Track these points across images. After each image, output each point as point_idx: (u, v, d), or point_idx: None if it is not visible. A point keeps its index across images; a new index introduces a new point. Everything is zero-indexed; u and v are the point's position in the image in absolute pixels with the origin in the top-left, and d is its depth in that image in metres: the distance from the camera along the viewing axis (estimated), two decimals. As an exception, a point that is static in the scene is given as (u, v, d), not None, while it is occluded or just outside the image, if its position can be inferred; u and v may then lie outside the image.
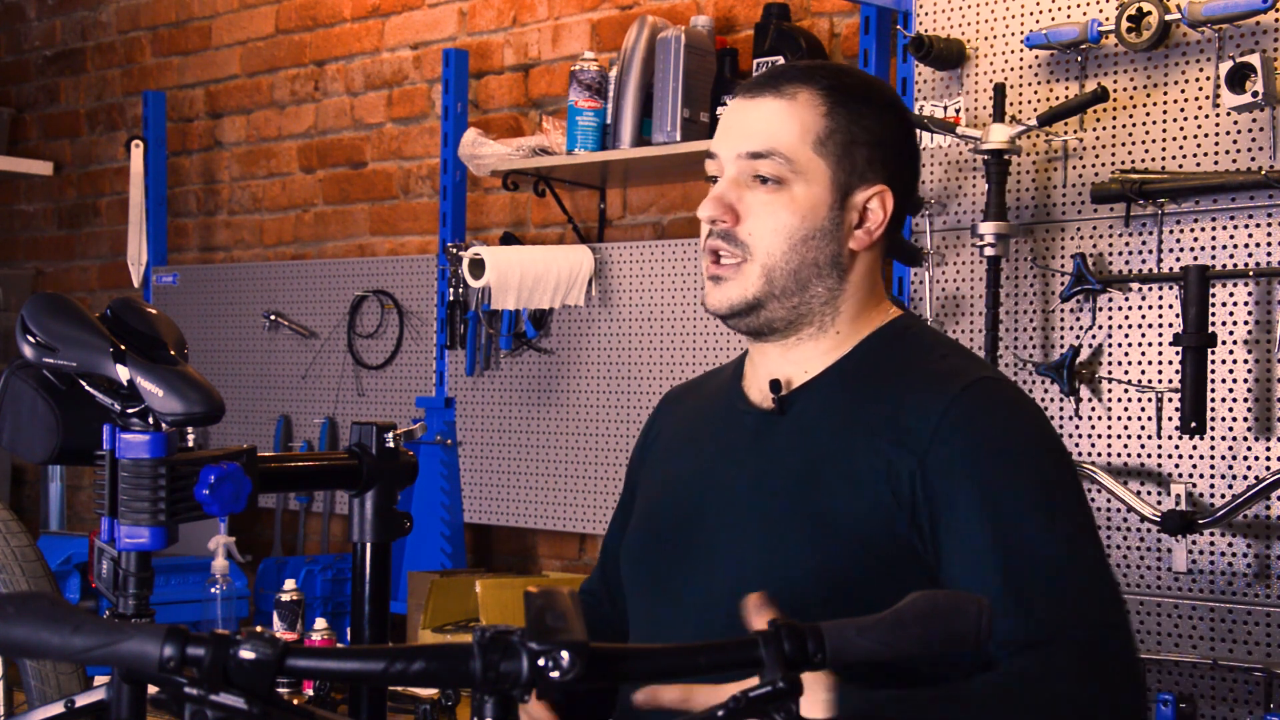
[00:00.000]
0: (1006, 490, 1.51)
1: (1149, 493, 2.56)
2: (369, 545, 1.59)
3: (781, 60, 3.03)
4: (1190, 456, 2.52)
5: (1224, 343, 2.48)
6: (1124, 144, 2.62)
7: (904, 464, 1.52)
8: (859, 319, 1.65)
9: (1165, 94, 2.58)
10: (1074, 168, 2.67)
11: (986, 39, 2.78)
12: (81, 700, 1.46)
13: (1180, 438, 2.52)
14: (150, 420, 1.40)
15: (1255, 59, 2.39)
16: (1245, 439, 2.47)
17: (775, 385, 1.63)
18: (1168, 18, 2.51)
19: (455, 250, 3.58)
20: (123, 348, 1.41)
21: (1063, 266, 2.67)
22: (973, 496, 1.50)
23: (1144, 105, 2.60)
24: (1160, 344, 2.56)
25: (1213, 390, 2.48)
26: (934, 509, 1.51)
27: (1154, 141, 2.59)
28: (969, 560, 1.49)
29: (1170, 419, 2.53)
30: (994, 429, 1.55)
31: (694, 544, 1.64)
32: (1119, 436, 2.60)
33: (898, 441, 1.53)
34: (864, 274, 1.65)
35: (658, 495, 1.75)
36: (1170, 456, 2.54)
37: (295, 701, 1.29)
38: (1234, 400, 2.49)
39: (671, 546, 1.66)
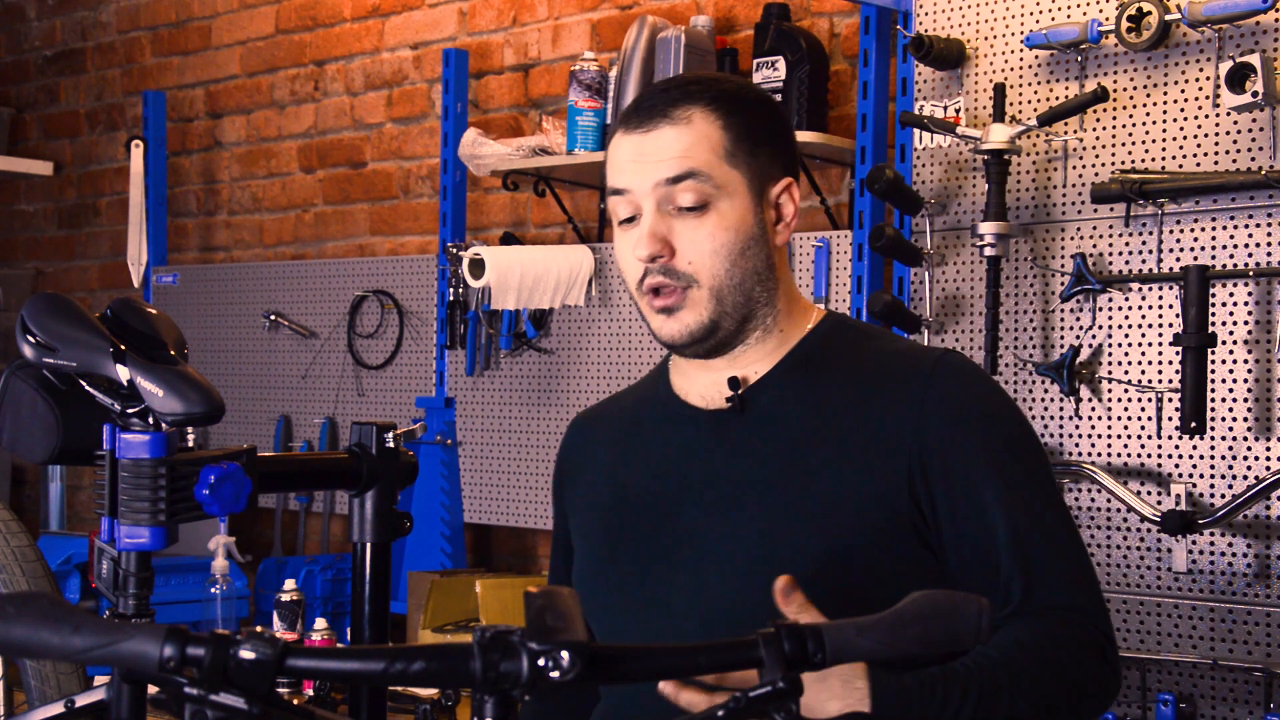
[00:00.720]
0: (1005, 458, 1.58)
1: (1149, 493, 2.56)
2: (369, 545, 1.59)
3: (781, 61, 3.03)
4: (1190, 456, 2.52)
5: (1224, 343, 2.48)
6: (1124, 144, 2.62)
7: (897, 441, 1.56)
8: (792, 312, 1.69)
9: (1165, 94, 2.58)
10: (1074, 168, 2.67)
11: (986, 39, 2.78)
12: (81, 700, 1.46)
13: (1180, 438, 2.52)
14: (150, 420, 1.40)
15: (1255, 59, 2.39)
16: (1245, 439, 2.47)
17: (734, 383, 1.65)
18: (1168, 18, 2.51)
19: (455, 250, 3.58)
20: (123, 348, 1.42)
21: (1063, 266, 2.67)
22: (976, 466, 1.56)
23: (1144, 105, 2.60)
24: (1160, 344, 2.56)
25: (1213, 390, 2.48)
26: (937, 482, 1.56)
27: (1154, 141, 2.59)
28: (978, 527, 1.55)
29: (1170, 419, 2.53)
30: (977, 399, 1.62)
31: (673, 550, 1.62)
32: (1119, 436, 2.60)
33: (882, 420, 1.58)
34: (785, 266, 1.69)
35: (607, 514, 1.73)
36: (1170, 456, 2.54)
37: (295, 701, 1.29)
38: (1234, 400, 2.49)
39: (644, 558, 1.65)
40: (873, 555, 1.55)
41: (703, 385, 1.69)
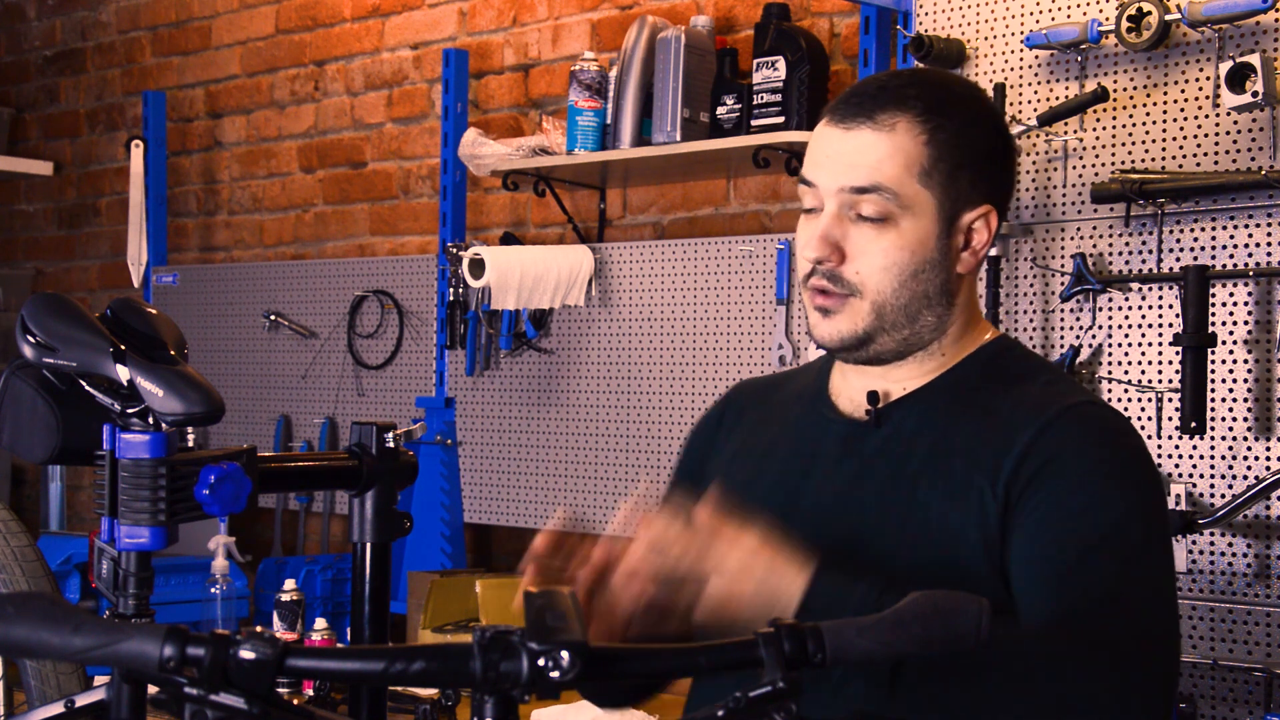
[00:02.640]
0: (1087, 502, 1.48)
1: (1149, 493, 2.55)
2: (369, 545, 1.59)
3: (781, 61, 3.03)
4: (1190, 456, 2.52)
5: (1224, 343, 2.48)
6: (1124, 144, 2.62)
7: (999, 475, 1.50)
8: (962, 339, 1.63)
9: (1165, 94, 2.58)
10: (1074, 168, 2.67)
11: (986, 39, 2.78)
12: (81, 700, 1.46)
13: (1180, 438, 2.52)
14: (150, 420, 1.40)
15: (1255, 59, 2.39)
16: (1245, 439, 2.47)
17: (873, 397, 1.60)
18: (1168, 18, 2.51)
19: (455, 250, 3.58)
20: (123, 348, 1.41)
21: (1063, 266, 2.67)
22: (1051, 499, 1.48)
23: (1144, 105, 2.60)
24: (1160, 344, 2.56)
25: (1213, 390, 2.48)
26: (1022, 510, 1.49)
27: (1154, 141, 2.59)
28: (1034, 554, 1.48)
29: (1170, 419, 2.54)
30: (1087, 447, 1.52)
31: None
32: (1119, 436, 2.59)
33: (995, 462, 1.51)
34: (968, 293, 1.62)
35: (733, 493, 1.64)
36: (1170, 456, 2.54)
37: (295, 701, 1.29)
38: (1234, 400, 2.49)
39: None
40: (953, 581, 1.49)
41: (854, 390, 1.65)
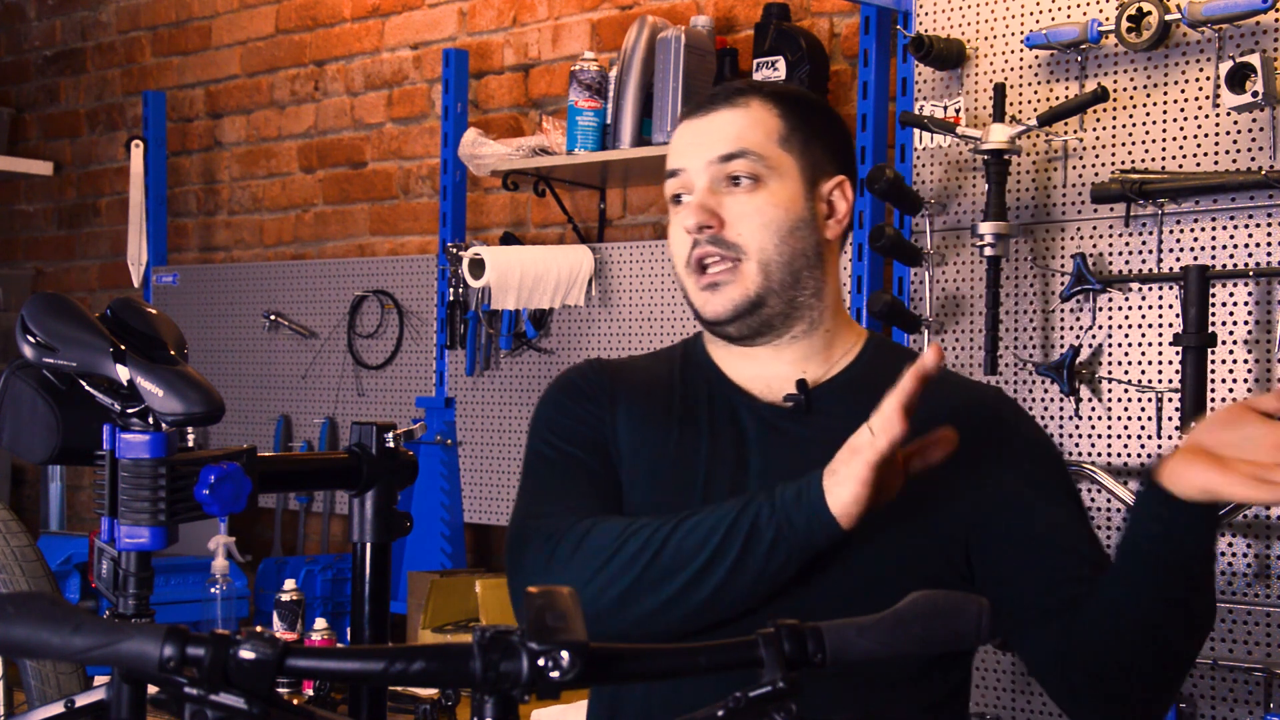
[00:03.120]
0: (1063, 481, 1.69)
1: (1149, 493, 2.55)
2: (369, 545, 1.59)
3: (781, 61, 3.03)
4: (1190, 456, 2.52)
5: (1224, 343, 2.48)
6: (1124, 144, 2.62)
7: (956, 465, 1.54)
8: (839, 316, 1.72)
9: (1165, 94, 2.58)
10: (1074, 168, 2.67)
11: (986, 39, 2.78)
12: (81, 700, 1.46)
13: (1181, 438, 2.52)
14: (150, 420, 1.40)
15: (1255, 59, 2.39)
16: (1245, 439, 2.47)
17: (803, 385, 1.66)
18: (1168, 18, 2.51)
19: (455, 250, 3.58)
20: (123, 348, 1.42)
21: (1063, 266, 2.67)
22: (1046, 490, 1.65)
23: (1144, 105, 2.60)
24: (1160, 344, 2.56)
25: (1213, 390, 2.48)
26: (1008, 503, 1.62)
27: (1154, 141, 2.59)
28: (1071, 544, 1.62)
29: (1170, 419, 2.53)
30: (1033, 431, 1.72)
31: None
32: (1119, 436, 2.60)
33: (953, 462, 1.56)
34: (836, 266, 1.72)
35: (668, 465, 1.66)
36: (1170, 456, 2.54)
37: (295, 701, 1.29)
38: (1234, 400, 2.48)
39: None
40: (914, 569, 1.59)
41: (749, 376, 1.70)
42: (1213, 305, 2.48)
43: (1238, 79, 2.42)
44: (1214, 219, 2.52)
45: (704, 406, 1.69)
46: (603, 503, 1.64)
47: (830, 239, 1.69)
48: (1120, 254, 2.62)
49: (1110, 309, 2.62)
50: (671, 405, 1.70)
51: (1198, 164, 2.53)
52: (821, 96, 1.83)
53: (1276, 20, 2.45)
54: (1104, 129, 2.64)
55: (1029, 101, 2.72)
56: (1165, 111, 2.57)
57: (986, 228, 2.66)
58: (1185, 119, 2.55)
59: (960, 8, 2.80)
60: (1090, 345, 2.63)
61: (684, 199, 1.67)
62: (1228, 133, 2.50)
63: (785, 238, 1.64)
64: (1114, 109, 2.62)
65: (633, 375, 1.75)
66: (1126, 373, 2.60)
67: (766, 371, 1.68)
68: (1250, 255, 2.48)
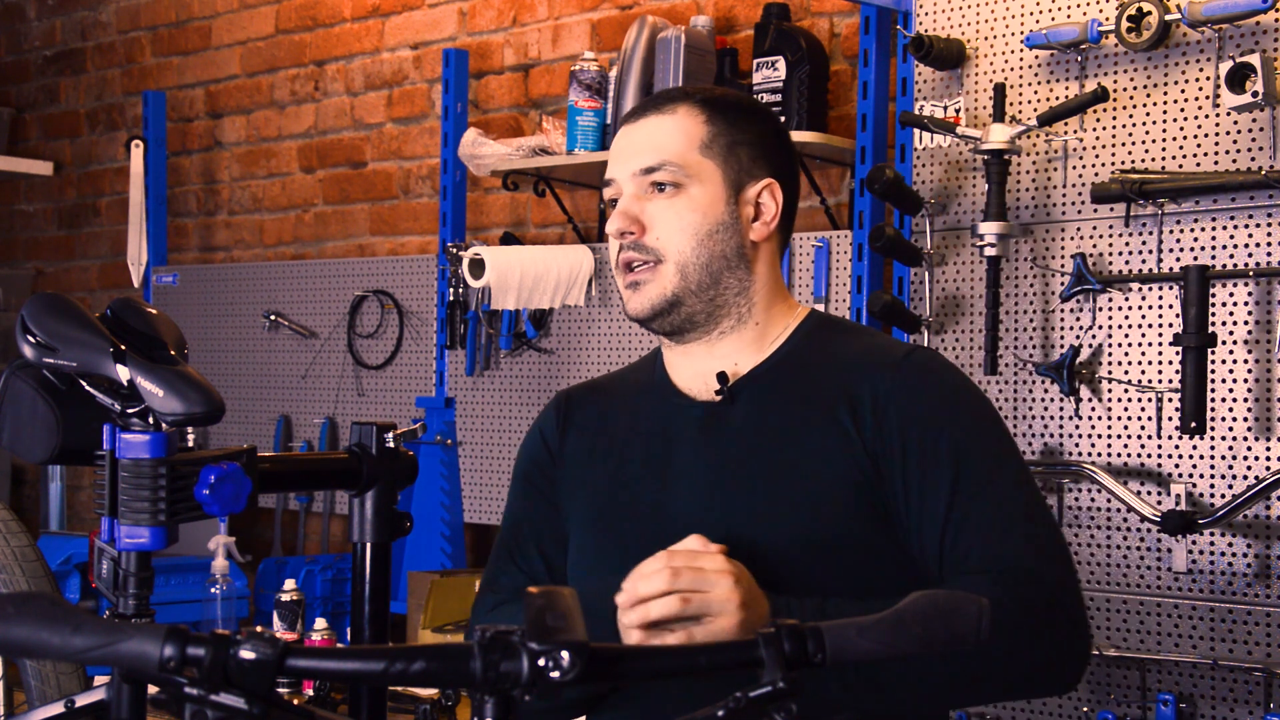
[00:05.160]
0: (964, 439, 1.64)
1: (1149, 493, 2.56)
2: (369, 545, 1.59)
3: (781, 61, 3.03)
4: (1190, 456, 2.52)
5: (1224, 343, 2.48)
6: (1124, 144, 2.62)
7: (862, 427, 1.64)
8: (773, 308, 1.76)
9: (1165, 94, 2.58)
10: (1074, 168, 2.67)
11: (986, 39, 2.78)
12: (81, 700, 1.46)
13: (1180, 438, 2.52)
14: (150, 420, 1.40)
15: (1255, 59, 2.39)
16: (1245, 439, 2.47)
17: (723, 377, 1.71)
18: (1168, 18, 2.51)
19: (455, 250, 3.58)
20: (123, 348, 1.42)
21: (1063, 266, 2.67)
22: (929, 449, 1.62)
23: (1144, 105, 2.60)
24: (1160, 344, 2.56)
25: (1213, 390, 2.48)
26: (892, 466, 1.63)
27: (1154, 141, 2.59)
28: (931, 508, 1.61)
29: (1170, 419, 2.53)
30: (941, 386, 1.69)
31: (661, 538, 1.62)
32: (1119, 436, 2.60)
33: (852, 410, 1.65)
34: (769, 264, 1.76)
35: (602, 492, 1.77)
36: (1170, 456, 2.54)
37: (295, 701, 1.29)
38: (1234, 400, 2.49)
39: (635, 543, 1.65)
40: (841, 548, 1.63)
41: (688, 375, 1.76)
42: (1213, 305, 2.48)
43: (1238, 79, 2.42)
44: (1214, 219, 2.52)
45: (645, 419, 1.78)
46: (521, 576, 1.82)
47: (757, 240, 1.74)
48: (1120, 254, 2.62)
49: (1110, 309, 2.62)
50: (617, 430, 1.81)
51: (1198, 164, 2.53)
52: (757, 102, 1.88)
53: (1276, 20, 2.45)
54: (1104, 129, 2.63)
55: (1029, 101, 2.72)
56: (1165, 111, 2.57)
57: (986, 228, 2.66)
58: (1185, 119, 2.55)
59: (960, 8, 2.80)
60: (1090, 345, 2.63)
61: (616, 202, 1.76)
62: (1228, 133, 2.50)
63: (703, 241, 1.70)
64: (1114, 109, 2.62)
65: (593, 406, 1.86)
66: (1126, 373, 2.60)
67: (702, 367, 1.74)
68: (1250, 255, 2.48)
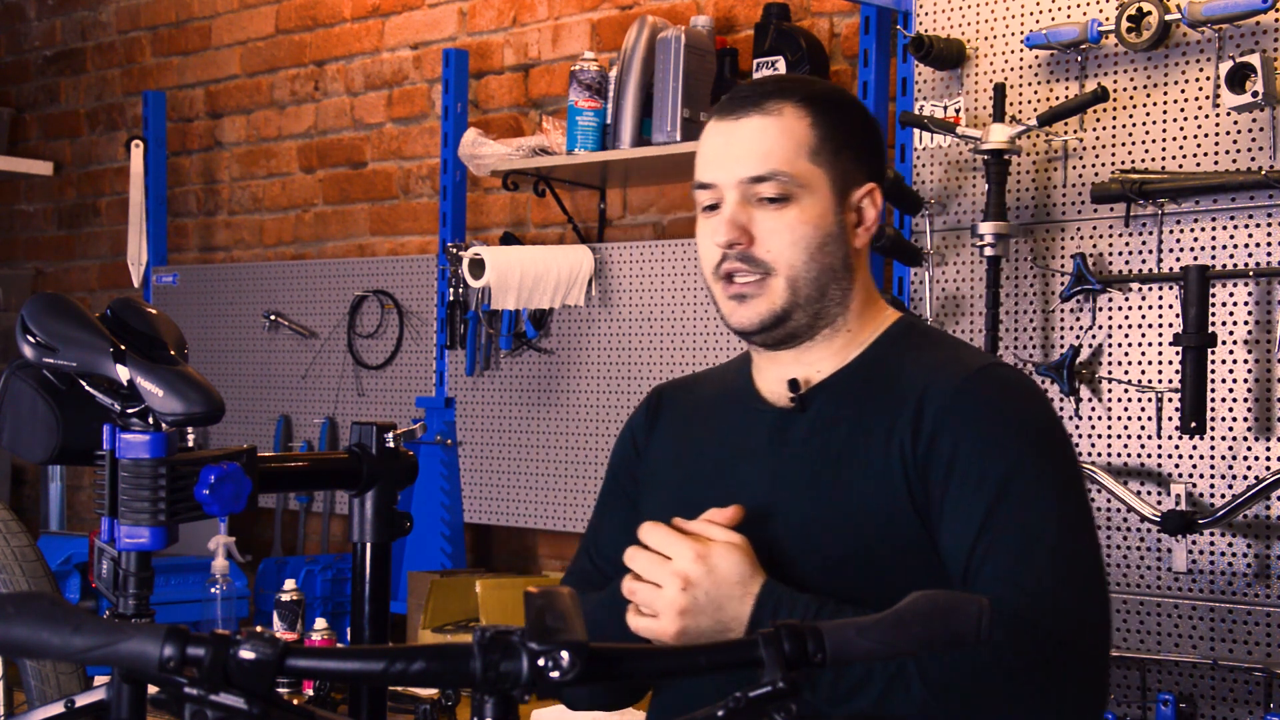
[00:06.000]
0: (1013, 468, 1.55)
1: (1149, 493, 2.56)
2: (369, 545, 1.59)
3: (781, 61, 3.03)
4: (1190, 456, 2.52)
5: (1224, 343, 2.48)
6: (1124, 144, 2.62)
7: (917, 443, 1.57)
8: (864, 314, 1.71)
9: (1165, 94, 2.58)
10: (1074, 168, 2.67)
11: (986, 39, 2.78)
12: (81, 700, 1.46)
13: (1180, 438, 2.52)
14: (150, 420, 1.40)
15: (1255, 59, 2.39)
16: (1245, 439, 2.47)
17: (794, 384, 1.67)
18: (1168, 18, 2.51)
19: (455, 250, 3.58)
20: (123, 348, 1.42)
21: (1063, 266, 2.67)
22: (975, 470, 1.55)
23: (1144, 105, 2.60)
24: (1160, 344, 2.56)
25: (1213, 390, 2.48)
26: (937, 483, 1.56)
27: (1154, 141, 2.59)
28: (963, 530, 1.54)
29: (1170, 419, 2.53)
30: (1004, 409, 1.60)
31: None
32: (1119, 436, 2.60)
33: (914, 424, 1.58)
34: (864, 269, 1.72)
35: (673, 496, 1.74)
36: (1170, 456, 2.54)
37: (295, 701, 1.29)
38: (1234, 400, 2.49)
39: None
40: (886, 566, 1.57)
41: (772, 380, 1.72)
42: (1213, 305, 2.48)
43: (1238, 79, 2.42)
44: (1214, 219, 2.52)
45: (724, 423, 1.75)
46: (595, 572, 1.82)
47: (859, 247, 1.69)
48: (1120, 254, 2.62)
49: (1110, 309, 2.62)
50: (698, 432, 1.77)
51: (1198, 164, 2.53)
52: (852, 96, 1.79)
53: (1276, 20, 2.45)
54: (1104, 129, 2.63)
55: (1029, 101, 2.72)
56: (1165, 111, 2.57)
57: (986, 228, 2.66)
58: (1185, 119, 2.55)
59: (960, 8, 2.80)
60: (1090, 345, 2.63)
61: (714, 207, 1.67)
62: (1228, 133, 2.50)
63: (814, 254, 1.64)
64: (1114, 109, 2.62)
65: (682, 405, 1.83)
66: (1126, 373, 2.60)
67: (787, 373, 1.69)
68: (1250, 255, 2.48)
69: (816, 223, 1.64)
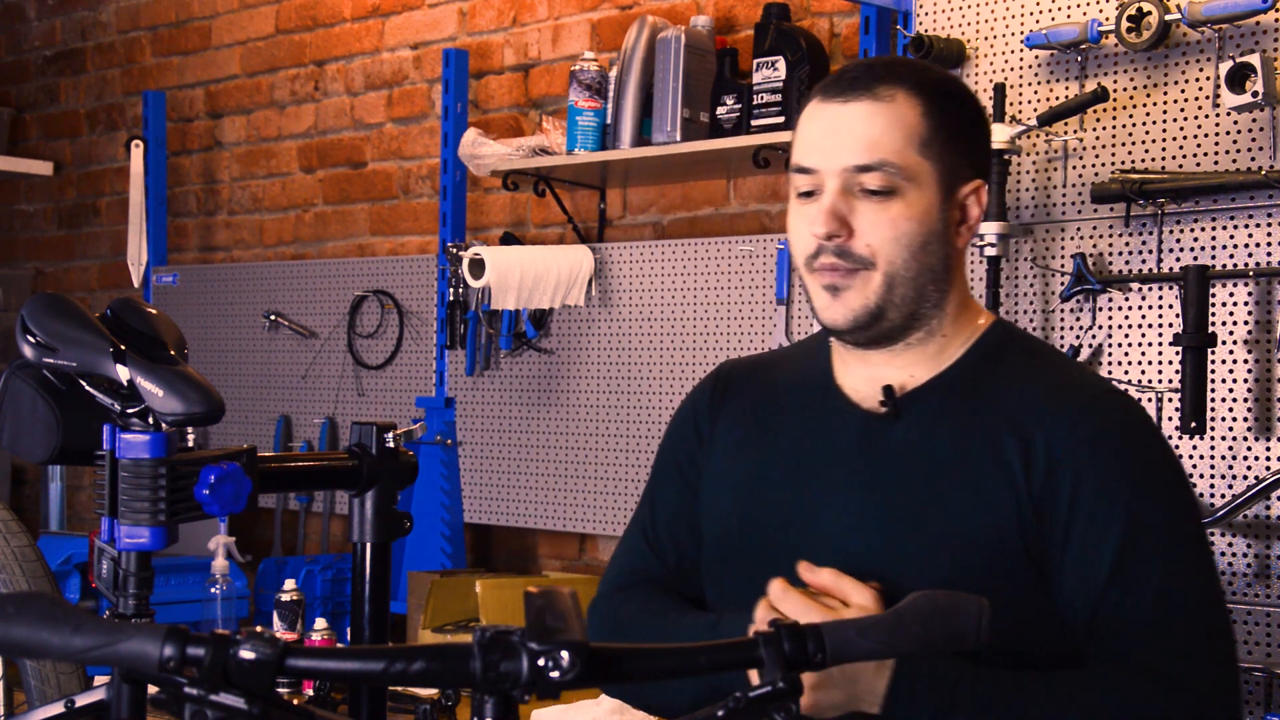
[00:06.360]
0: (1141, 510, 1.49)
1: (1149, 493, 2.55)
2: (369, 545, 1.59)
3: (781, 61, 3.03)
4: (1190, 456, 2.52)
5: (1224, 343, 2.48)
6: (1124, 144, 2.62)
7: (1032, 473, 1.50)
8: (960, 318, 1.62)
9: (1165, 94, 2.58)
10: (1074, 168, 2.67)
11: (986, 39, 2.78)
12: (81, 700, 1.46)
13: (1180, 438, 2.52)
14: (150, 420, 1.40)
15: (1255, 59, 2.39)
16: (1245, 439, 2.47)
17: (889, 390, 1.58)
18: (1168, 18, 2.51)
19: (455, 250, 3.58)
20: (123, 348, 1.42)
21: (1063, 266, 2.67)
22: (1101, 512, 1.48)
23: (1144, 105, 2.60)
24: (1160, 344, 2.56)
25: (1213, 390, 2.48)
26: (1056, 521, 1.49)
27: (1154, 141, 2.59)
28: (1089, 576, 1.48)
29: (1170, 419, 2.53)
30: (1127, 445, 1.53)
31: (807, 544, 1.57)
32: (1119, 436, 2.59)
33: (1023, 450, 1.51)
34: (962, 270, 1.62)
35: (744, 486, 1.67)
36: (1170, 456, 2.54)
37: (295, 701, 1.29)
38: (1234, 400, 2.49)
39: (771, 544, 1.60)
40: (990, 586, 1.46)
41: (859, 379, 1.62)
42: (1213, 305, 2.48)
43: (1238, 79, 2.42)
44: (1214, 219, 2.52)
45: (802, 416, 1.66)
46: (655, 561, 1.75)
47: (960, 247, 1.60)
48: (1120, 254, 2.62)
49: (1110, 309, 2.62)
50: (771, 421, 1.69)
51: (1198, 164, 2.53)
52: (965, 86, 1.67)
53: (1276, 20, 2.45)
54: (1104, 129, 2.63)
55: (1029, 101, 2.72)
56: (1165, 111, 2.57)
57: (986, 228, 2.66)
58: (1185, 119, 2.55)
59: (960, 8, 2.81)
60: (1090, 345, 2.63)
61: (812, 193, 1.57)
62: (1228, 133, 2.50)
63: (916, 252, 1.54)
64: (1114, 109, 2.62)
65: (752, 388, 1.73)
66: (1126, 373, 2.60)
67: (875, 374, 1.61)
68: (1250, 255, 2.48)
69: (920, 219, 1.54)
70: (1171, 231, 2.56)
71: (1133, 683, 1.44)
